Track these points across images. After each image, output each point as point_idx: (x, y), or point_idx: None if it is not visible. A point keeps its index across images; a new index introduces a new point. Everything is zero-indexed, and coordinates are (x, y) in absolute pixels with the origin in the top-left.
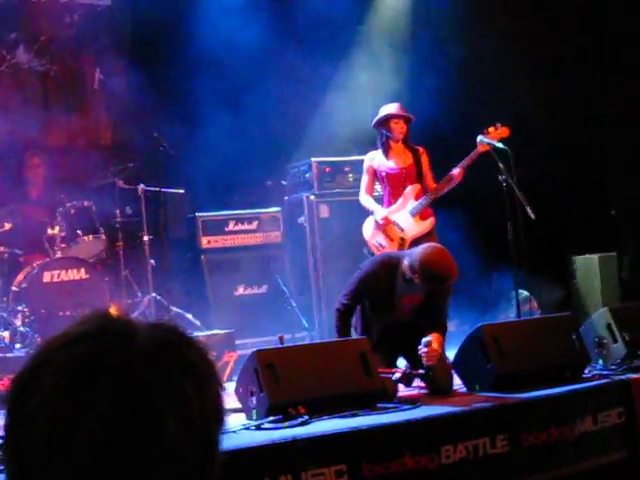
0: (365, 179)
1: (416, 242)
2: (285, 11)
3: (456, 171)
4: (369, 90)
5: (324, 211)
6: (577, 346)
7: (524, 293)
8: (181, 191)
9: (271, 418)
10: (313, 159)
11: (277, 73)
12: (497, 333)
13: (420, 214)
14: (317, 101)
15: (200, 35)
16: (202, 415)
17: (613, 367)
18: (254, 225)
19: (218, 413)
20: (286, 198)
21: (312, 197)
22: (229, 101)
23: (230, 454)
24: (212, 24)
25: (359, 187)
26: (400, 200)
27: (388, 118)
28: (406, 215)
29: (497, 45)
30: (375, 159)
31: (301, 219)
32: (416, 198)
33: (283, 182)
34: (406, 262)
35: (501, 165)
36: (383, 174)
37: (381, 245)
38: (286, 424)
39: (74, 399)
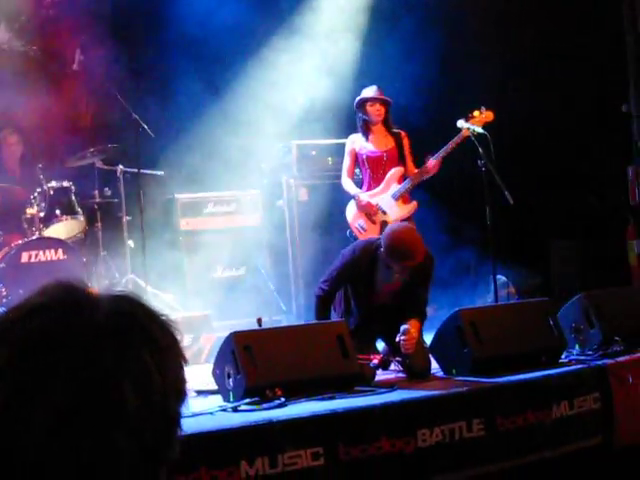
0: (346, 162)
1: None
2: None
3: (431, 163)
4: (351, 73)
5: (303, 194)
6: (554, 331)
7: (502, 278)
8: (160, 173)
9: (248, 400)
10: (293, 142)
11: (256, 54)
12: (474, 318)
13: (402, 197)
14: (298, 83)
15: (181, 16)
16: (163, 390)
17: (590, 353)
18: (233, 207)
19: (179, 387)
20: (265, 181)
21: (291, 180)
22: (209, 83)
23: (207, 436)
24: (192, 5)
25: (338, 170)
26: (383, 183)
27: (364, 101)
28: (389, 198)
29: (479, 30)
30: (356, 142)
31: (280, 202)
32: (398, 181)
33: (262, 165)
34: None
35: (480, 150)
36: (364, 157)
37: (363, 228)
38: (263, 406)
39: (31, 375)
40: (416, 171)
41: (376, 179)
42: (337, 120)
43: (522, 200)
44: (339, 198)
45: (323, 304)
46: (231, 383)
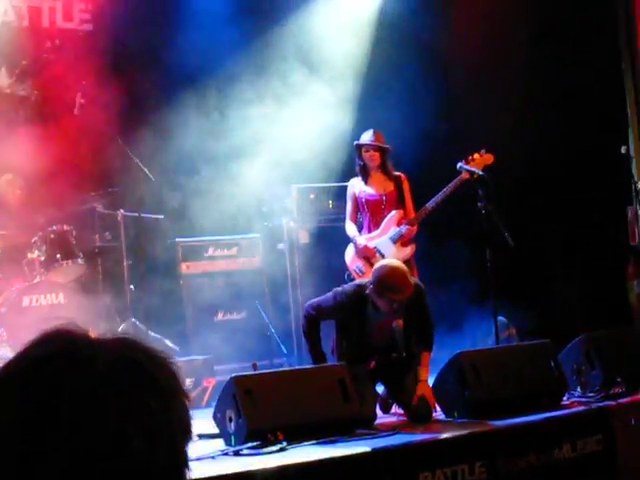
0: (348, 206)
1: None
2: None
3: (430, 206)
4: (352, 116)
5: (304, 237)
6: (555, 373)
7: (503, 319)
8: (160, 217)
9: (249, 444)
10: (293, 185)
11: (255, 94)
12: (475, 360)
13: (401, 240)
14: (298, 126)
15: (181, 61)
16: (168, 430)
17: (591, 394)
18: (233, 251)
19: (184, 424)
20: (266, 224)
21: (292, 223)
22: (210, 127)
23: None
24: (193, 50)
25: (339, 213)
26: (382, 226)
27: (359, 147)
28: (387, 241)
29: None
30: (356, 185)
31: (281, 245)
32: (398, 224)
33: (263, 208)
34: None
35: (480, 192)
36: (363, 200)
37: (361, 271)
38: (264, 450)
39: (37, 426)
40: (414, 214)
41: (376, 222)
42: (337, 163)
43: (522, 241)
44: (340, 241)
45: (312, 324)
46: (233, 427)
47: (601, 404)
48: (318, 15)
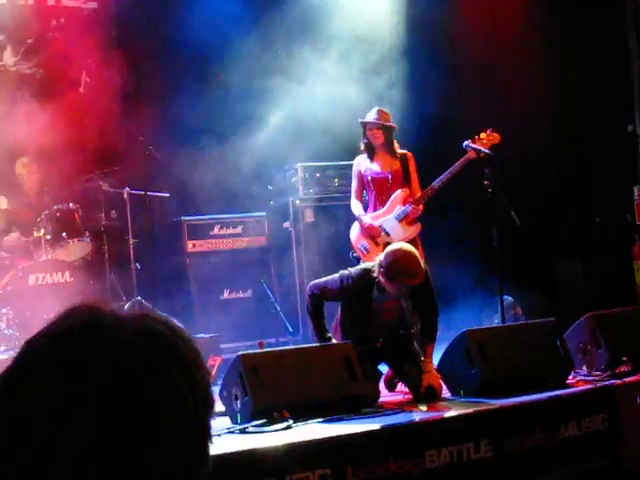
0: (354, 184)
1: None
2: (273, 19)
3: (437, 185)
4: (356, 94)
5: (309, 215)
6: (561, 352)
7: (509, 299)
8: (166, 195)
9: (255, 422)
10: (299, 164)
11: (264, 78)
12: (481, 339)
13: (407, 219)
14: (303, 105)
15: (186, 39)
16: (194, 405)
17: (597, 373)
18: (239, 229)
19: (207, 399)
20: (271, 202)
21: (297, 201)
22: (215, 105)
23: (214, 458)
24: (199, 28)
25: (344, 192)
26: (387, 204)
27: (364, 125)
28: (392, 220)
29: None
30: (361, 163)
31: (286, 224)
32: (403, 203)
33: (269, 186)
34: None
35: (486, 171)
36: (369, 178)
37: (366, 249)
38: (270, 428)
39: (64, 400)
40: (420, 193)
41: (381, 200)
42: (343, 141)
43: (528, 221)
44: (345, 219)
45: (318, 304)
46: (238, 405)
47: (607, 383)
48: None
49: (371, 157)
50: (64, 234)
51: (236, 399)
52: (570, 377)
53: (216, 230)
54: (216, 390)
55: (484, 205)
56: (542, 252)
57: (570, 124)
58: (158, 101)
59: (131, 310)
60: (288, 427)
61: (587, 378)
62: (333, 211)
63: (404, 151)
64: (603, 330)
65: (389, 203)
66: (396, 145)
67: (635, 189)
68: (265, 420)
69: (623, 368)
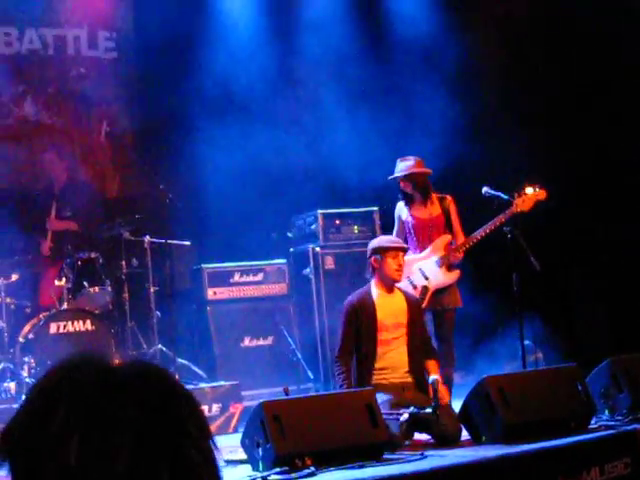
0: (395, 228)
1: (439, 292)
2: (288, 58)
3: (479, 234)
4: (376, 140)
5: (329, 262)
6: (583, 397)
7: (529, 343)
8: (187, 243)
9: (277, 469)
10: (319, 211)
11: (282, 123)
12: (502, 384)
13: (447, 265)
14: (323, 151)
15: (206, 88)
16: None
17: (619, 418)
18: (260, 277)
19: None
20: (292, 250)
21: (317, 248)
22: (235, 153)
23: None
24: (217, 77)
25: (364, 238)
26: (429, 248)
27: (394, 179)
28: (432, 264)
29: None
30: (402, 210)
31: (307, 270)
32: (445, 249)
33: (289, 234)
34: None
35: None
36: (410, 225)
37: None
38: (293, 475)
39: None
40: (462, 240)
41: (422, 248)
42: (363, 188)
43: (549, 265)
44: (365, 266)
45: (343, 363)
46: (260, 452)
47: (629, 427)
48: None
49: (409, 205)
50: (85, 282)
51: (258, 446)
52: (592, 422)
53: (237, 277)
54: (237, 438)
55: (504, 249)
56: (563, 296)
57: (593, 169)
58: (179, 149)
59: (149, 359)
60: (311, 474)
61: (609, 423)
62: (353, 257)
63: (444, 195)
64: (625, 374)
65: (430, 247)
66: (433, 190)
67: None
68: (287, 468)
69: None
